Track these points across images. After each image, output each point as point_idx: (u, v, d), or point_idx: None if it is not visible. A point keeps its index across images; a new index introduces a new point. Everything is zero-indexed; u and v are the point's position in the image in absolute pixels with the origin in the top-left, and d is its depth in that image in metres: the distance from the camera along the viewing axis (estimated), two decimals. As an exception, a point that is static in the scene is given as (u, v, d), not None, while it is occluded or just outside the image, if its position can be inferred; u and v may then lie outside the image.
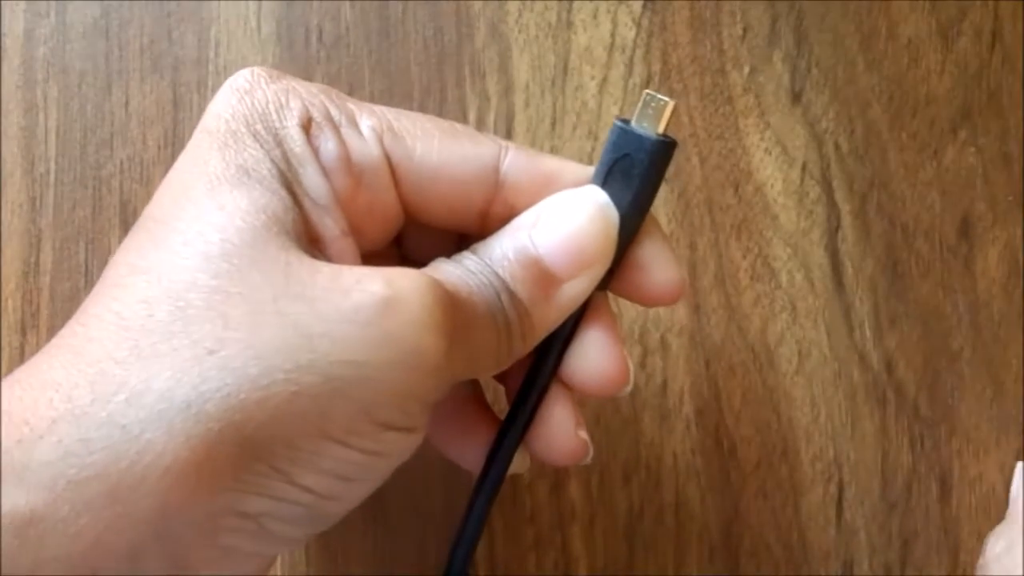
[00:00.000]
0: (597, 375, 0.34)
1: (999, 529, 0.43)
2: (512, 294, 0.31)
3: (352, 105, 0.32)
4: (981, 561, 0.43)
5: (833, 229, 0.46)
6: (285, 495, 0.28)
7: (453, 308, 0.29)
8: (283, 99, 0.31)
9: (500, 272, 0.31)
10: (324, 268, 0.28)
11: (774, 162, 0.46)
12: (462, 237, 0.35)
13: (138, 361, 0.26)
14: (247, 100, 0.31)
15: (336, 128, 0.31)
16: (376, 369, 0.27)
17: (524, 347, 0.32)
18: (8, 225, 0.44)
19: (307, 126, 0.31)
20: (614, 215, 0.32)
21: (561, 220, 0.32)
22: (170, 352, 0.26)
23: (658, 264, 0.33)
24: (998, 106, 0.47)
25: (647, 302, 0.35)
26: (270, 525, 0.28)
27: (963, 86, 0.48)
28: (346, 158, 0.31)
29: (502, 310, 0.31)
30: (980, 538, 0.44)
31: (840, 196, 0.46)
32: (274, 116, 0.30)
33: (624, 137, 0.32)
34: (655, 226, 0.34)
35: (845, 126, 0.47)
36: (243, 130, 0.30)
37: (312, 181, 0.30)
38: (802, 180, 0.46)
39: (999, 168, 0.47)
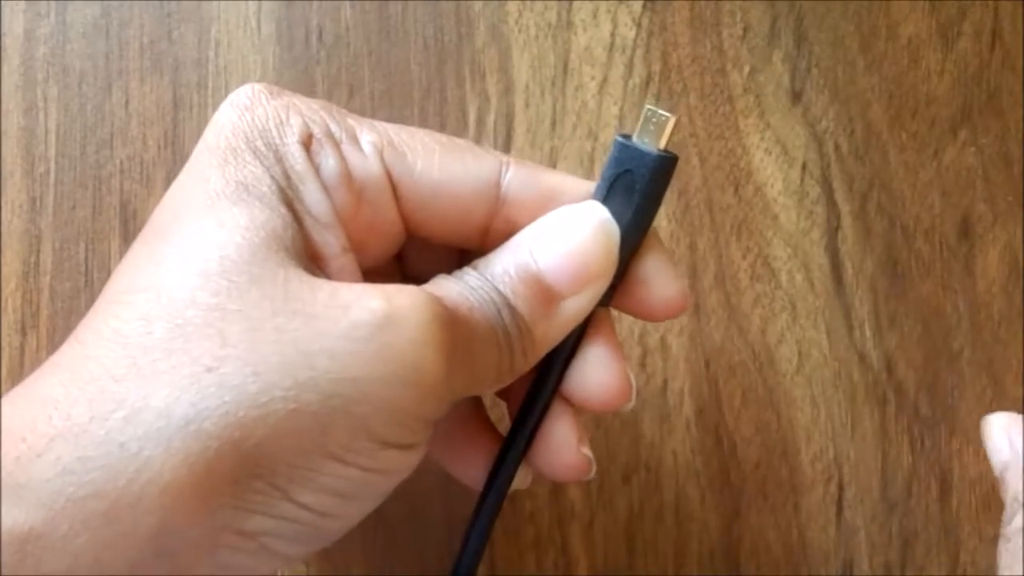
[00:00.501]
0: (599, 391, 0.34)
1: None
2: (513, 310, 0.31)
3: (352, 121, 0.32)
4: (1003, 532, 0.43)
5: (833, 229, 0.46)
6: (284, 513, 0.28)
7: (453, 324, 0.29)
8: (283, 115, 0.31)
9: (501, 288, 0.31)
10: (323, 285, 0.28)
11: (774, 162, 0.46)
12: (463, 253, 0.35)
13: (137, 379, 0.26)
14: (247, 116, 0.31)
15: (336, 144, 0.31)
16: (375, 386, 0.27)
17: (525, 363, 0.32)
18: (8, 225, 0.44)
19: (307, 143, 0.31)
20: (615, 231, 0.32)
21: (562, 236, 0.32)
22: (169, 370, 0.26)
23: (660, 279, 0.33)
24: (998, 106, 0.47)
25: (650, 317, 0.35)
26: (269, 543, 0.28)
27: (963, 86, 0.47)
28: (347, 174, 0.31)
29: (503, 326, 0.31)
30: (980, 538, 0.44)
31: (840, 196, 0.46)
32: (274, 133, 0.30)
33: (625, 152, 0.32)
34: (657, 241, 0.34)
35: (845, 126, 0.47)
36: (243, 147, 0.30)
37: (312, 198, 0.30)
38: (802, 180, 0.46)
39: (999, 168, 0.47)
